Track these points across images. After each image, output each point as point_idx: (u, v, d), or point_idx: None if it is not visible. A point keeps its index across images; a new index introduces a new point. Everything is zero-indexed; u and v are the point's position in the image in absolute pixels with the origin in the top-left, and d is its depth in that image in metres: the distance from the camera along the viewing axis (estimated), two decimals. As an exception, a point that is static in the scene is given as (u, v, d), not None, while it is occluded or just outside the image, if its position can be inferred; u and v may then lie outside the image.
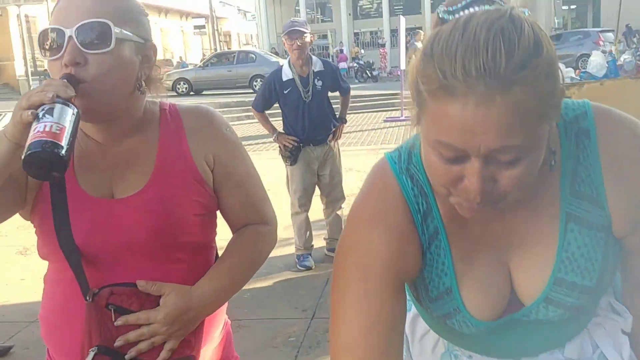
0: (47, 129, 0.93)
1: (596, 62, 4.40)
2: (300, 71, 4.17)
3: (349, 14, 32.08)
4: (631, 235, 0.90)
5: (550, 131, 0.80)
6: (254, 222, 1.30)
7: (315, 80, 4.19)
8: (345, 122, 4.57)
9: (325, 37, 32.44)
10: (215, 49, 32.43)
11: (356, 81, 23.34)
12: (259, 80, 19.62)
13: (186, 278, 1.20)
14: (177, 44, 37.16)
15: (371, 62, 24.46)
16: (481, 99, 0.71)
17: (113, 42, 1.06)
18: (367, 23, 34.78)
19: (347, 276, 0.91)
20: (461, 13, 0.79)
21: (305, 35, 4.06)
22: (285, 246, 4.78)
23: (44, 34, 1.08)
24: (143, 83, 1.16)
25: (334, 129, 4.35)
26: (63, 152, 0.92)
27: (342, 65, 25.15)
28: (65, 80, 1.02)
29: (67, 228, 1.12)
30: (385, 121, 12.87)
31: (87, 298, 1.12)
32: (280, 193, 4.60)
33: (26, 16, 22.30)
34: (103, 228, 1.15)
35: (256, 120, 4.62)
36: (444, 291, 0.95)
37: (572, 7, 29.91)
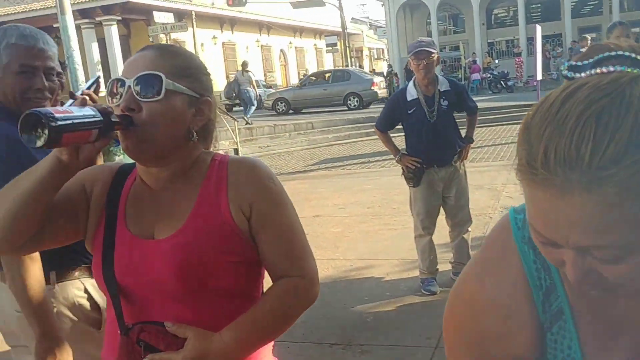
0: (56, 107, 1.05)
1: None
2: (425, 90, 4.09)
3: (483, 24, 31.18)
4: None
5: None
6: (291, 274, 1.30)
7: (441, 100, 4.09)
8: (472, 141, 4.42)
9: (457, 48, 31.76)
10: (347, 65, 32.99)
11: (489, 92, 22.60)
12: (352, 97, 20.17)
13: (219, 324, 1.23)
14: (312, 61, 38.32)
15: (506, 72, 23.55)
16: (561, 191, 0.62)
17: (163, 92, 1.19)
18: (502, 32, 33.61)
19: (460, 352, 0.87)
20: (586, 73, 0.67)
21: (432, 55, 3.99)
22: (409, 269, 4.71)
23: (112, 84, 1.23)
24: (195, 134, 1.26)
25: (459, 150, 4.23)
26: (52, 123, 0.99)
27: (475, 76, 24.50)
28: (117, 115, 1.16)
29: (110, 264, 1.25)
30: (516, 134, 12.26)
31: (121, 332, 1.23)
32: (407, 211, 4.54)
33: (174, 41, 24.13)
34: (137, 267, 1.24)
35: (376, 138, 4.59)
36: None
37: None
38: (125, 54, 23.58)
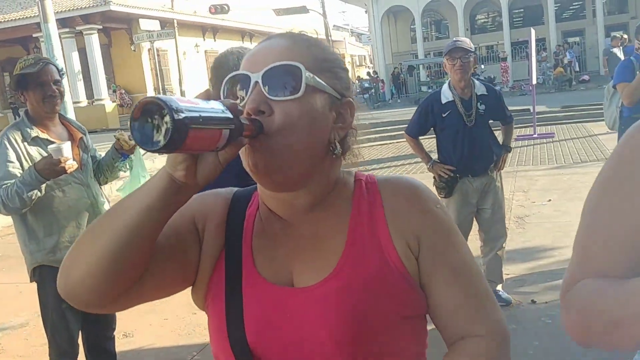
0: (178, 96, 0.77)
1: None
2: (462, 93, 3.77)
3: (467, 29, 31.17)
4: None
5: None
6: (476, 333, 0.97)
7: (479, 104, 3.77)
8: (510, 150, 4.11)
9: (442, 54, 31.71)
10: (331, 72, 32.86)
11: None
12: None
13: None
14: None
15: (492, 77, 23.51)
16: None
17: (303, 88, 0.91)
18: (486, 37, 33.66)
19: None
20: None
21: (469, 54, 3.66)
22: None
23: (231, 82, 0.96)
24: (337, 145, 0.97)
25: (496, 158, 3.89)
26: (177, 114, 0.70)
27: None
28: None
29: (239, 321, 0.96)
30: (516, 139, 12.04)
31: None
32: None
33: (157, 50, 23.72)
34: (277, 324, 0.95)
35: (405, 142, 4.28)
36: None
37: None
38: (107, 63, 23.15)
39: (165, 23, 23.93)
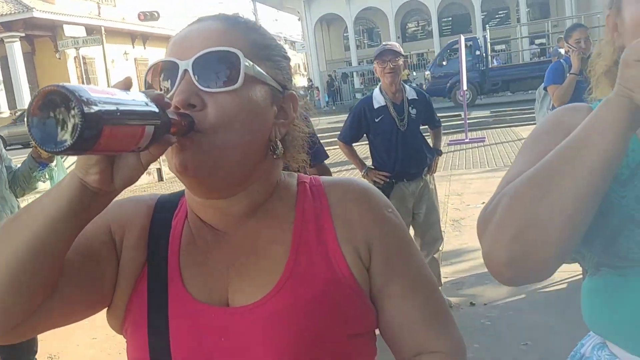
0: (90, 86, 0.61)
1: None
2: (393, 98, 3.75)
3: (398, 37, 31.78)
4: None
5: None
6: (432, 349, 0.89)
7: (410, 108, 3.77)
8: (441, 153, 4.15)
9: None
10: (266, 80, 32.82)
11: (410, 104, 22.98)
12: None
13: None
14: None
15: (422, 84, 24.04)
16: None
17: (241, 78, 0.78)
18: (416, 45, 34.43)
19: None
20: None
21: (398, 57, 3.65)
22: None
23: (153, 71, 0.81)
24: (279, 144, 0.86)
25: (429, 162, 3.90)
26: (87, 107, 0.56)
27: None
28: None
29: (165, 347, 0.81)
30: (449, 144, 12.29)
31: None
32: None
33: (83, 57, 22.96)
34: (209, 349, 0.81)
35: (338, 149, 4.24)
36: (635, 167, 0.91)
37: (632, 15, 28.86)
38: (30, 72, 22.22)
39: (92, 30, 23.20)
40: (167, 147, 0.71)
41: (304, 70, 44.18)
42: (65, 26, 18.30)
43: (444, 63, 20.52)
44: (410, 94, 3.84)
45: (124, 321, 0.87)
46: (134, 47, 28.20)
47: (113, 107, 0.59)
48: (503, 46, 28.88)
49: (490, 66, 20.00)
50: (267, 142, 0.84)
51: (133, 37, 27.97)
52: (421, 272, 0.91)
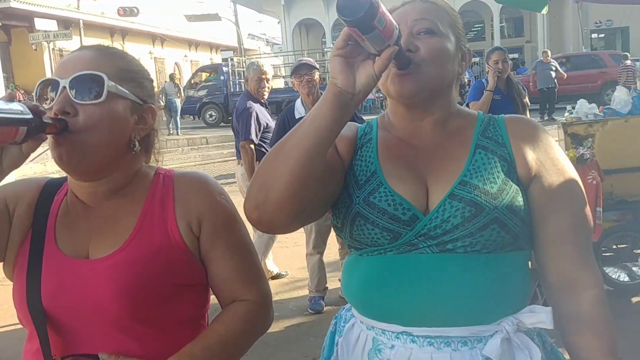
0: None
1: (620, 97, 4.23)
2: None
3: (376, 45, 32.17)
4: (534, 183, 1.14)
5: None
6: (242, 298, 1.20)
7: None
8: None
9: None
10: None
11: (382, 111, 23.30)
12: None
13: (162, 356, 1.10)
14: (207, 75, 37.80)
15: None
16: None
17: (105, 94, 1.07)
18: (394, 53, 34.80)
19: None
20: None
21: (313, 71, 4.02)
22: (299, 288, 4.68)
23: (42, 85, 1.10)
24: (137, 143, 1.15)
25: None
26: None
27: (369, 96, 25.22)
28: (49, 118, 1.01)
29: (37, 288, 1.09)
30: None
31: None
32: (299, 231, 4.50)
33: (60, 50, 22.95)
34: (70, 291, 1.09)
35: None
36: (370, 175, 1.15)
37: (601, 35, 29.61)
38: (5, 62, 22.09)
39: (70, 23, 23.22)
40: (40, 142, 0.99)
41: (284, 73, 44.38)
42: (36, 19, 18.27)
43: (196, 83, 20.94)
44: None
45: (13, 270, 1.15)
46: (112, 42, 28.05)
47: None
48: (477, 59, 29.55)
49: (231, 91, 19.93)
50: (127, 142, 1.13)
51: (112, 32, 27.85)
52: (241, 241, 1.21)
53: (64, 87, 1.07)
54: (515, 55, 30.68)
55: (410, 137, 1.20)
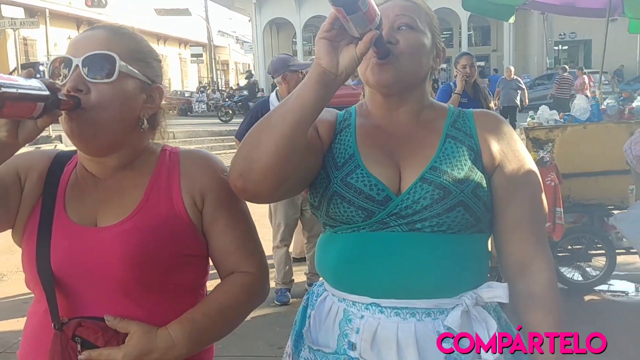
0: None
1: (580, 105, 4.42)
2: None
3: (346, 47, 32.37)
4: (497, 172, 1.24)
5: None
6: (241, 270, 1.25)
7: None
8: None
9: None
10: (212, 77, 32.64)
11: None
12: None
13: (166, 321, 1.16)
14: (175, 71, 37.44)
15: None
16: None
17: (116, 74, 1.11)
18: (363, 56, 35.08)
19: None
20: None
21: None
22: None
23: (55, 63, 1.14)
24: (145, 121, 1.20)
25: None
26: None
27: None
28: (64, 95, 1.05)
29: (46, 253, 1.14)
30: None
31: (55, 326, 1.11)
32: (266, 225, 4.57)
33: (24, 39, 22.48)
34: (78, 256, 1.14)
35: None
36: (348, 157, 1.23)
37: (564, 47, 30.44)
38: (-34, 48, 21.54)
39: (36, 12, 22.76)
40: (55, 117, 1.03)
41: (253, 71, 44.27)
42: (2, 6, 17.86)
43: None
44: None
45: (22, 236, 1.19)
46: (78, 32, 27.37)
47: (14, 90, 0.90)
48: (444, 65, 30.05)
49: None
50: (136, 119, 1.18)
51: (79, 22, 27.41)
52: (242, 216, 1.27)
53: (77, 66, 1.11)
54: (482, 63, 31.29)
55: (386, 125, 1.29)
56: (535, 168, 1.29)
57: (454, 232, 1.18)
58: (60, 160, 1.26)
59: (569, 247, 4.43)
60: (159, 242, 1.16)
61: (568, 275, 4.38)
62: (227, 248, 1.25)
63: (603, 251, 4.34)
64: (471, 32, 32.99)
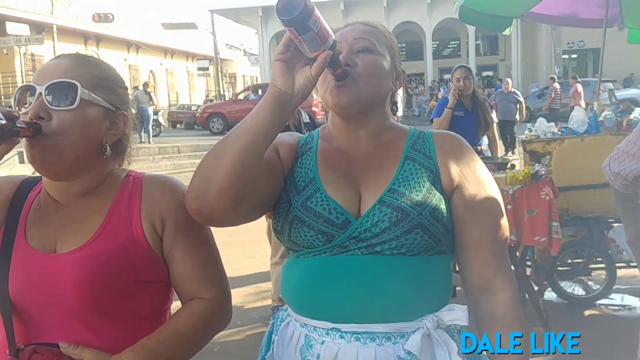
0: None
1: (577, 117, 4.39)
2: (293, 119, 4.29)
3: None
4: (456, 194, 1.24)
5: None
6: (201, 296, 1.24)
7: (305, 130, 4.25)
8: None
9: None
10: (219, 91, 32.78)
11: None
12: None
13: (120, 348, 1.15)
14: (183, 84, 37.65)
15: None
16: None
17: (77, 101, 1.14)
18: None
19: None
20: None
21: None
22: (263, 298, 4.71)
23: (20, 91, 1.17)
24: (108, 148, 1.20)
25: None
26: None
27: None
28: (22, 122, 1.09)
29: (4, 280, 1.15)
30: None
31: (10, 352, 1.12)
32: (265, 240, 4.55)
33: (32, 54, 22.68)
34: (35, 282, 1.15)
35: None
36: (309, 181, 1.23)
37: (573, 56, 30.33)
38: (-24, 64, 21.77)
39: (43, 28, 22.99)
40: (13, 145, 1.06)
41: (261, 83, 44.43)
42: (7, 23, 18.04)
43: None
44: (305, 117, 4.36)
45: None
46: (86, 47, 27.82)
47: None
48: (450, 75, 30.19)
49: None
50: (99, 145, 1.19)
51: (86, 37, 27.61)
52: (204, 241, 1.26)
53: (40, 93, 1.13)
54: (490, 73, 31.27)
55: (347, 148, 1.29)
56: (496, 189, 1.28)
57: (414, 254, 1.17)
58: (25, 186, 1.27)
59: (569, 260, 4.37)
60: (115, 268, 1.15)
61: (568, 290, 4.32)
62: (186, 274, 1.24)
63: (603, 265, 4.28)
64: (479, 42, 32.95)
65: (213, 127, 20.98)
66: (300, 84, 1.08)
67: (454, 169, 1.24)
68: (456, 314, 1.19)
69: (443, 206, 1.21)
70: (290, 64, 1.08)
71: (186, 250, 1.23)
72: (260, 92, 20.79)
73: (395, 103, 1.36)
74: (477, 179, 1.26)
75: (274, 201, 1.25)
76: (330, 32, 1.06)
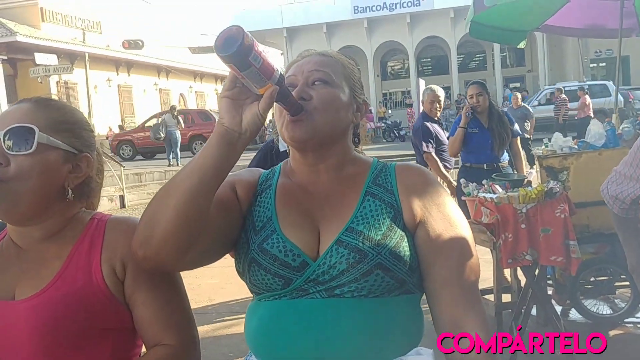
0: None
1: (595, 131, 4.27)
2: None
3: (377, 75, 32.49)
4: (420, 230, 1.18)
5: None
6: (164, 342, 1.19)
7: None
8: None
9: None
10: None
11: (384, 140, 23.43)
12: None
13: None
14: (213, 106, 38.15)
15: (399, 121, 24.54)
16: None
17: (35, 145, 1.12)
18: (396, 84, 35.15)
19: None
20: None
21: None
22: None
23: None
24: (70, 191, 1.18)
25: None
26: None
27: (370, 125, 25.37)
28: None
29: None
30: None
31: None
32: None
33: (65, 82, 23.28)
34: None
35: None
36: (266, 221, 1.19)
37: (602, 64, 29.80)
38: (11, 94, 22.40)
39: (76, 56, 23.59)
40: None
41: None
42: (36, 54, 18.52)
43: None
44: None
45: None
46: (118, 74, 28.47)
47: None
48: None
49: None
50: (60, 189, 1.17)
51: (117, 64, 28.24)
52: (164, 284, 1.21)
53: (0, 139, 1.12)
54: (517, 84, 30.88)
55: (307, 184, 1.24)
56: (464, 225, 1.21)
57: (376, 295, 1.12)
58: None
59: (592, 279, 4.24)
60: (72, 315, 1.12)
61: (592, 309, 4.18)
62: (148, 319, 1.19)
63: (627, 282, 4.14)
64: (505, 54, 32.66)
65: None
66: (249, 121, 1.05)
67: (417, 204, 1.19)
68: (423, 359, 1.14)
69: (405, 244, 1.15)
70: (238, 101, 1.06)
71: (148, 294, 1.19)
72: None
73: (358, 135, 1.33)
74: (442, 214, 1.19)
75: (233, 242, 1.21)
76: (275, 66, 1.03)
